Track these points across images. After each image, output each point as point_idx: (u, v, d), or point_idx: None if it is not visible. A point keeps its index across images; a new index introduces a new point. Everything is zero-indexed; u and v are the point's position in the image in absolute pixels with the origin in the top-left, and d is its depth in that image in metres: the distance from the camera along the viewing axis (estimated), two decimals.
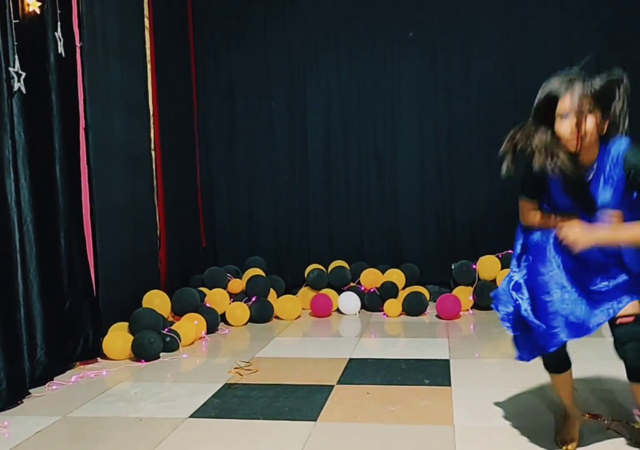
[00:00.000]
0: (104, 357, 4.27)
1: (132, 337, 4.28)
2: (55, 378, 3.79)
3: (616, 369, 3.73)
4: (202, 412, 3.23)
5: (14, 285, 3.46)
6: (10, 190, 3.45)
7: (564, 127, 2.18)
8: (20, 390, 3.46)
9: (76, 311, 4.05)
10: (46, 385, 3.69)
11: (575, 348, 4.22)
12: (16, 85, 3.53)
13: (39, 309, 3.66)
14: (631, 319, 2.32)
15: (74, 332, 4.03)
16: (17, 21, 3.53)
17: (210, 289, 5.56)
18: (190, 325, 4.69)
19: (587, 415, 2.91)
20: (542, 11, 6.19)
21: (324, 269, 6.13)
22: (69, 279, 4.01)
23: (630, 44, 5.99)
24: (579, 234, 2.23)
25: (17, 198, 3.53)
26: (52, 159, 3.92)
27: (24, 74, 3.59)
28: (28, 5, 3.68)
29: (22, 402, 3.42)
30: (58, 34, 3.90)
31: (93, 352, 4.20)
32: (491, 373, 3.78)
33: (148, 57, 5.40)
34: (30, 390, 3.54)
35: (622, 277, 2.36)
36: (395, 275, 5.96)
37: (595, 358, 4.00)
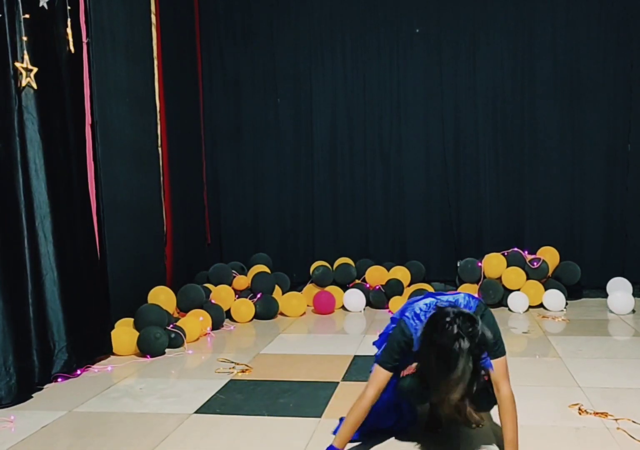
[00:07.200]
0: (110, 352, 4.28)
1: (137, 333, 4.29)
2: (60, 374, 3.81)
3: (622, 368, 3.73)
4: (207, 408, 3.24)
5: (22, 281, 3.48)
6: (19, 187, 3.48)
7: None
8: (30, 385, 3.48)
9: (88, 307, 4.05)
10: (51, 378, 3.72)
11: (581, 346, 4.23)
12: (25, 81, 3.54)
13: (58, 307, 3.70)
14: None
15: (86, 328, 4.02)
16: (26, 16, 3.53)
17: (215, 285, 5.56)
18: (195, 322, 4.70)
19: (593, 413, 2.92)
20: (550, 8, 6.15)
21: (329, 266, 6.13)
22: (85, 276, 4.00)
23: (638, 41, 5.96)
24: None
25: (30, 193, 3.56)
26: (68, 154, 3.92)
27: (34, 70, 3.59)
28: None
29: (32, 396, 3.44)
30: (68, 30, 3.91)
31: (103, 348, 4.19)
32: None
33: (155, 54, 5.40)
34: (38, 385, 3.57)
35: None
36: (401, 273, 5.95)
37: (602, 356, 4.00)
